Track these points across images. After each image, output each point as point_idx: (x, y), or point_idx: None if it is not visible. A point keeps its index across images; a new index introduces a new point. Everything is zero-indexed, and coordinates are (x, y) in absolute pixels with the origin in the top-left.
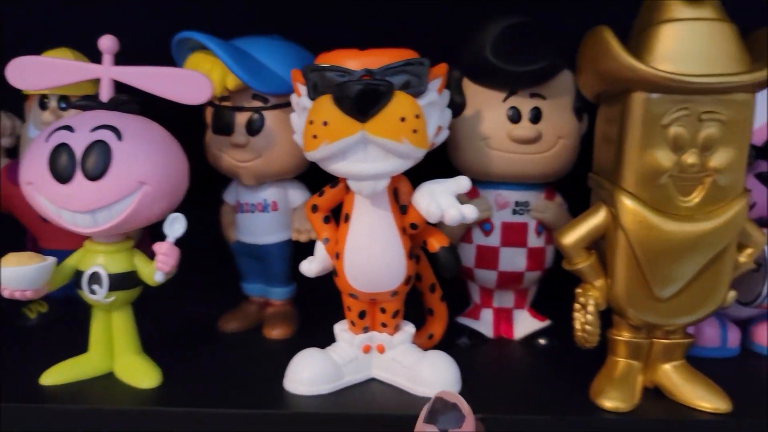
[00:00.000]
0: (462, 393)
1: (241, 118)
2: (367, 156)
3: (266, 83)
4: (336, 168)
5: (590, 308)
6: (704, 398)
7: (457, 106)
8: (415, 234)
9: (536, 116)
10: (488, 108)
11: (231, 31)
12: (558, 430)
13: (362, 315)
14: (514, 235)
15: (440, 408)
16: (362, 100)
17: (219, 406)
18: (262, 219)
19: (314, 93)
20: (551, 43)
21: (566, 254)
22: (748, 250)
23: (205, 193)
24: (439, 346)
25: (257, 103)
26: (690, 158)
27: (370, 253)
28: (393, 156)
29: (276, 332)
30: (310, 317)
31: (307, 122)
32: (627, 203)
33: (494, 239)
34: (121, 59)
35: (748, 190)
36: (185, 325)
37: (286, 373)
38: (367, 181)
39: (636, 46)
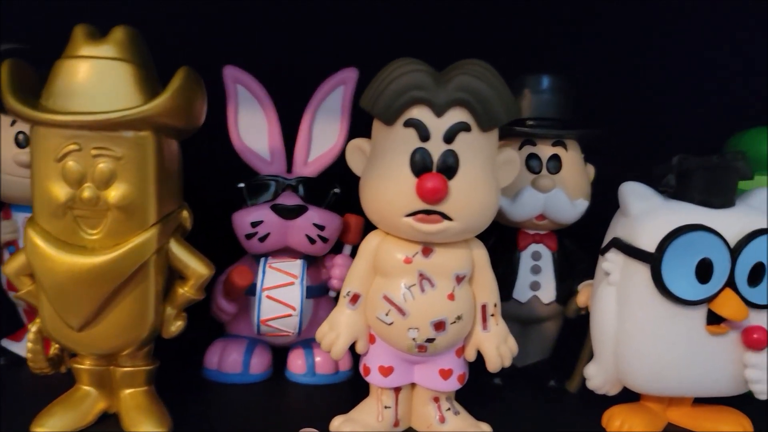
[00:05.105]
0: None
1: None
2: None
3: None
4: None
5: (30, 335)
6: (142, 423)
7: None
8: None
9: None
10: None
11: None
12: None
13: None
14: None
15: None
16: None
17: None
18: None
19: None
20: None
21: (11, 281)
22: (191, 282)
23: None
24: None
25: None
26: (85, 192)
27: None
28: None
29: None
30: None
31: None
32: (30, 234)
33: None
34: None
35: (157, 224)
36: None
37: None
38: None
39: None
